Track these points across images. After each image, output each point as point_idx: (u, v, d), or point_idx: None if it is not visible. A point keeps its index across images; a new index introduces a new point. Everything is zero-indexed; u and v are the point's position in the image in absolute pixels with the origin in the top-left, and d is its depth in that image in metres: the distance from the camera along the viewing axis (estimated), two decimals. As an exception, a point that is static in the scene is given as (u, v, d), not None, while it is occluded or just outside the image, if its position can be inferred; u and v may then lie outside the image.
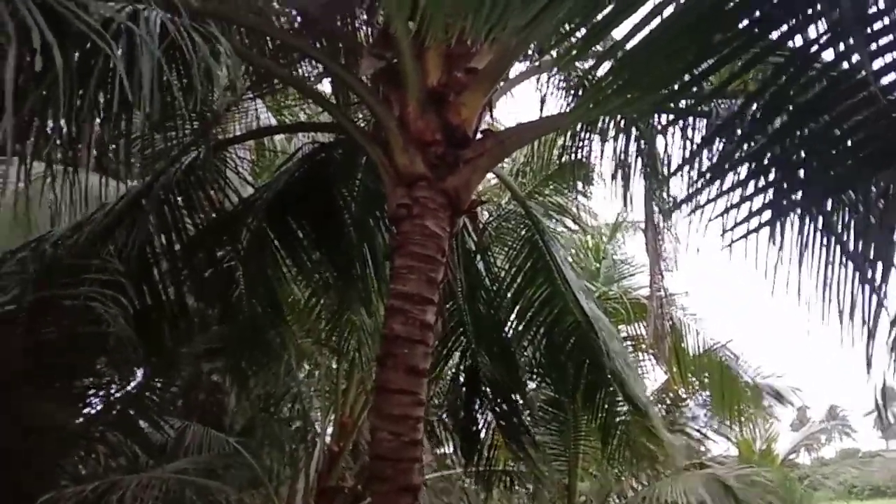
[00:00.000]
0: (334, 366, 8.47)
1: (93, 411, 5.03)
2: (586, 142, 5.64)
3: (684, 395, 8.34)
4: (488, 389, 5.85)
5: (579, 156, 5.69)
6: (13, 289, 4.06)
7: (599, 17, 2.38)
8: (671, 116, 4.54)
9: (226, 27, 3.97)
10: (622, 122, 5.43)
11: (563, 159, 5.85)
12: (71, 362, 4.43)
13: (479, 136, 4.01)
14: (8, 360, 3.65)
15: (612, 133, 5.46)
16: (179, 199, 4.95)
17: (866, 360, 3.34)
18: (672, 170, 4.85)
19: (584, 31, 2.47)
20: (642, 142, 5.40)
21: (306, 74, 5.18)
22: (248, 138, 5.49)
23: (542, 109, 5.34)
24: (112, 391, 5.14)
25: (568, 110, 5.20)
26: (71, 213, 6.60)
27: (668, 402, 7.86)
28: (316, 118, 6.07)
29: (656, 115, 4.86)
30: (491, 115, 4.15)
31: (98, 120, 3.95)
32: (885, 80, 2.62)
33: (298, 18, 5.03)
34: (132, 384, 6.19)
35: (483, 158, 3.91)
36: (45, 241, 4.54)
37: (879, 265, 3.45)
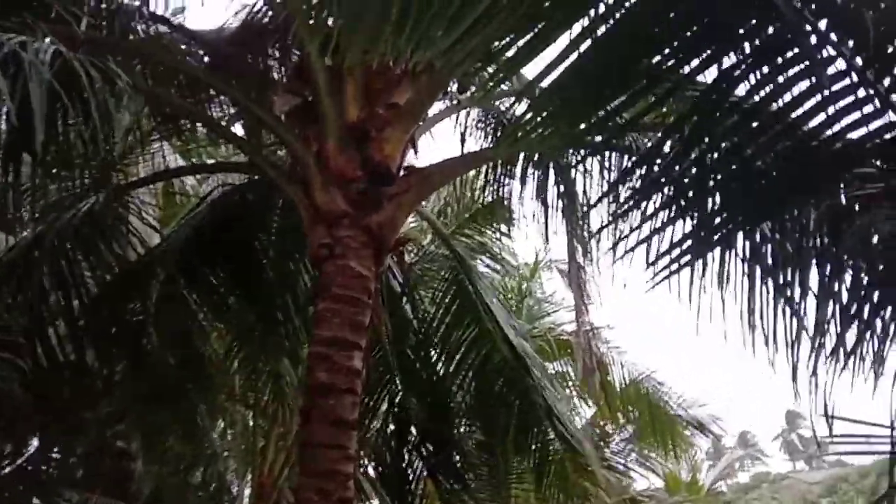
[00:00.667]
0: (251, 422, 8.02)
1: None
2: (506, 180, 5.66)
3: (610, 430, 8.36)
4: (419, 437, 5.63)
5: (499, 194, 5.70)
6: None
7: (522, 41, 2.34)
8: (587, 151, 4.58)
9: (129, 63, 3.72)
10: (539, 159, 5.49)
11: (484, 198, 5.85)
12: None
13: (402, 172, 3.90)
14: None
15: (530, 171, 5.50)
16: (77, 249, 4.57)
17: (792, 378, 3.38)
18: (591, 204, 4.89)
19: (507, 55, 2.43)
20: (560, 179, 5.46)
21: (218, 114, 4.95)
22: (153, 181, 5.18)
23: (462, 148, 5.30)
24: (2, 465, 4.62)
25: (491, 145, 5.18)
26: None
27: (596, 437, 7.84)
28: (228, 160, 5.82)
29: (574, 152, 4.90)
30: (415, 152, 4.06)
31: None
32: (798, 111, 2.70)
33: (207, 57, 4.83)
34: (25, 455, 5.63)
35: (408, 195, 3.80)
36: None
37: (798, 290, 3.54)
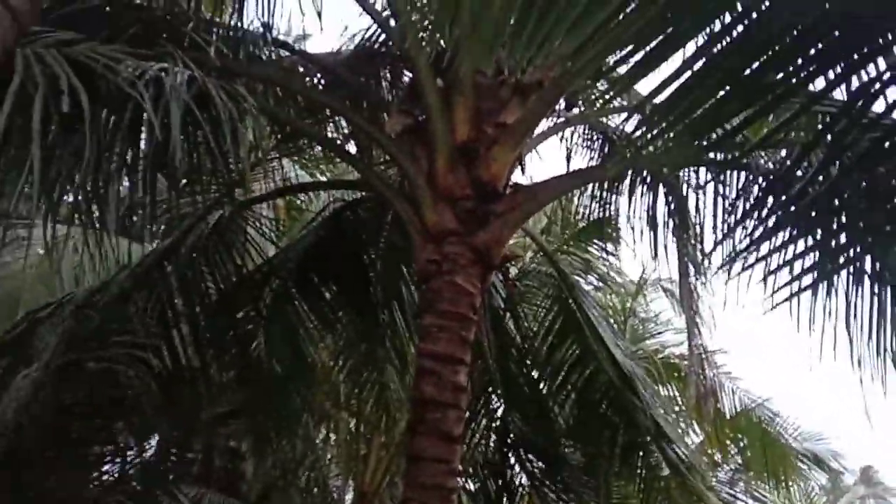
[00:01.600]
0: (353, 430, 8.22)
1: (109, 478, 4.84)
2: (613, 197, 5.57)
3: (718, 459, 7.98)
4: (522, 452, 5.60)
5: (606, 212, 5.61)
6: (41, 352, 3.96)
7: (641, 53, 2.29)
8: (707, 170, 4.44)
9: (251, 84, 3.95)
10: (648, 177, 5.36)
11: (590, 216, 5.77)
12: (90, 427, 4.28)
13: (509, 190, 3.92)
14: (31, 426, 3.50)
15: (639, 188, 5.38)
16: (202, 260, 4.88)
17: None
18: (712, 224, 4.70)
19: (624, 68, 2.38)
20: (671, 197, 5.31)
21: (332, 133, 5.16)
22: (273, 197, 5.46)
23: (568, 165, 5.27)
24: (128, 458, 4.97)
25: (600, 163, 5.11)
26: (94, 275, 6.61)
27: (704, 466, 7.49)
28: (341, 178, 6.05)
29: (689, 170, 4.76)
30: (522, 170, 4.07)
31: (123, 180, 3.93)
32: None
33: (324, 79, 5.05)
34: (147, 451, 6.01)
35: (514, 213, 3.81)
36: (67, 303, 4.46)
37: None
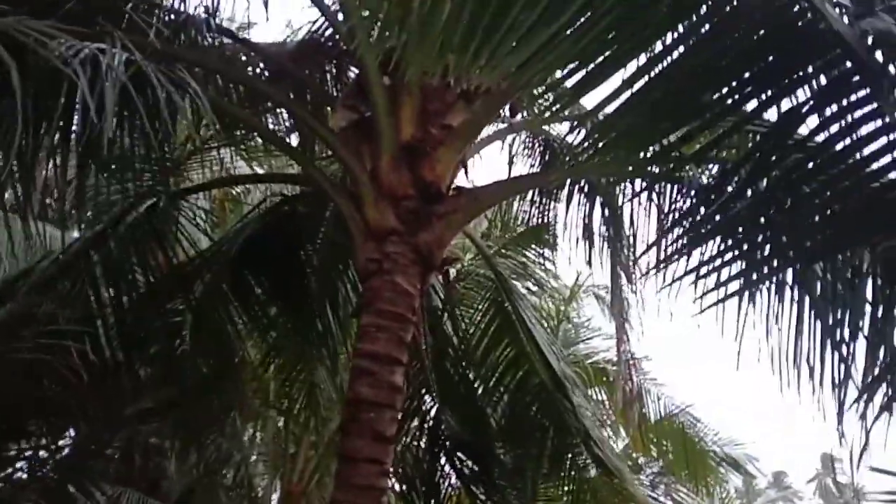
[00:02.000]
0: (281, 429, 8.08)
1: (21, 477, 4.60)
2: (551, 204, 5.67)
3: (641, 463, 8.22)
4: (454, 452, 5.62)
5: (544, 218, 5.71)
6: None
7: (585, 70, 2.35)
8: (643, 182, 4.57)
9: (192, 70, 3.83)
10: (586, 186, 5.49)
11: (528, 221, 5.86)
12: (2, 422, 4.05)
13: (452, 192, 3.93)
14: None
15: (576, 196, 5.51)
16: (132, 249, 4.70)
17: (838, 421, 3.30)
18: (643, 234, 4.85)
19: (570, 82, 2.44)
20: (606, 207, 5.45)
21: (274, 125, 5.06)
22: (210, 187, 5.31)
23: (510, 171, 5.33)
24: (42, 456, 4.73)
25: (541, 170, 5.20)
26: (11, 262, 6.27)
27: (629, 468, 7.70)
28: (281, 172, 5.94)
29: (629, 181, 4.89)
30: (465, 173, 4.09)
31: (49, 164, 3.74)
32: (864, 152, 2.65)
33: (267, 70, 4.95)
34: (64, 448, 5.75)
35: (457, 214, 3.83)
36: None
37: (847, 332, 3.46)
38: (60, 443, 5.68)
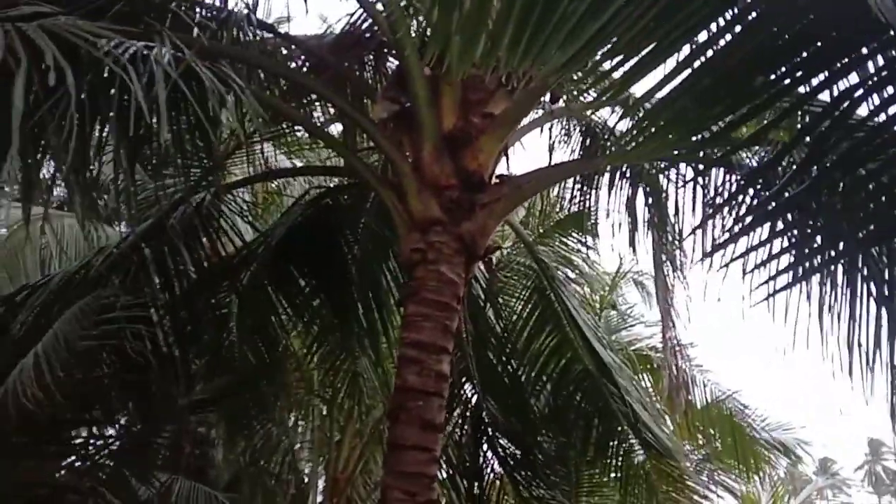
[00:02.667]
0: (325, 417, 8.19)
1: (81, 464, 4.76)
2: (592, 191, 5.61)
3: (688, 450, 8.13)
4: (496, 439, 5.65)
5: (585, 205, 5.65)
6: (15, 333, 3.87)
7: (635, 59, 2.32)
8: (691, 167, 4.50)
9: (235, 66, 3.89)
10: (629, 172, 5.41)
11: (570, 208, 5.80)
12: (63, 412, 4.20)
13: (495, 180, 3.92)
14: (4, 411, 3.43)
15: (619, 183, 5.43)
16: (181, 243, 4.80)
17: (890, 404, 3.22)
18: (689, 220, 4.78)
19: (619, 72, 2.42)
20: (650, 193, 5.37)
21: (317, 118, 5.11)
22: (255, 181, 5.38)
23: (550, 158, 5.29)
24: (100, 443, 4.89)
25: (584, 156, 5.14)
26: (59, 261, 6.45)
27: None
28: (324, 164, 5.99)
29: (677, 168, 4.82)
30: (507, 161, 4.08)
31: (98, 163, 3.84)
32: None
33: (308, 63, 4.98)
34: (117, 436, 5.92)
35: (500, 203, 3.82)
36: (42, 285, 4.36)
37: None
38: (112, 433, 5.88)
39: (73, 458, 4.79)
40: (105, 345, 4.07)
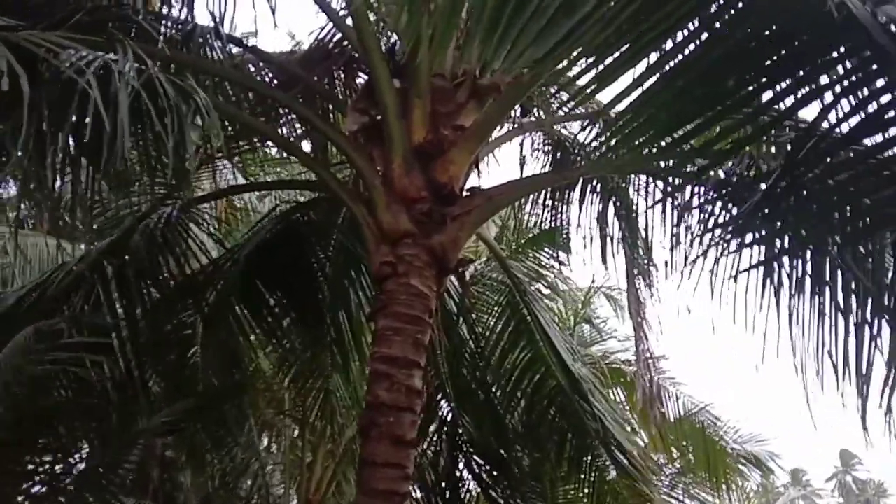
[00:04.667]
0: (297, 438, 8.05)
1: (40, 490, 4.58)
2: (563, 206, 5.63)
3: (662, 463, 8.15)
4: (472, 456, 5.58)
5: (557, 220, 5.66)
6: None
7: (608, 60, 2.32)
8: (660, 181, 4.53)
9: (201, 79, 3.83)
10: (599, 185, 5.45)
11: (541, 223, 5.81)
12: (20, 436, 4.04)
13: (466, 193, 3.90)
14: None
15: (590, 197, 5.46)
16: (144, 260, 4.68)
17: (862, 414, 3.24)
18: (661, 235, 4.80)
19: (588, 77, 2.41)
20: (620, 206, 5.40)
21: (286, 133, 5.05)
22: (221, 195, 5.30)
23: (521, 172, 5.30)
24: (60, 468, 4.72)
25: (554, 169, 5.16)
26: (23, 275, 6.27)
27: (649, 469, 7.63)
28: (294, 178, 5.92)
29: (638, 179, 4.86)
30: (478, 174, 4.06)
31: (59, 178, 3.73)
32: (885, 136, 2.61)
33: (277, 78, 4.94)
34: (78, 462, 5.73)
35: (471, 215, 3.79)
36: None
37: (873, 321, 3.41)
38: (75, 457, 5.69)
39: (33, 482, 4.60)
40: (62, 369, 3.91)
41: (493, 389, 5.59)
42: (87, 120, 2.95)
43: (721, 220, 3.85)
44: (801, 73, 2.50)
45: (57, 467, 4.80)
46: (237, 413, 6.74)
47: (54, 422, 4.57)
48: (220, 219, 5.80)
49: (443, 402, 5.70)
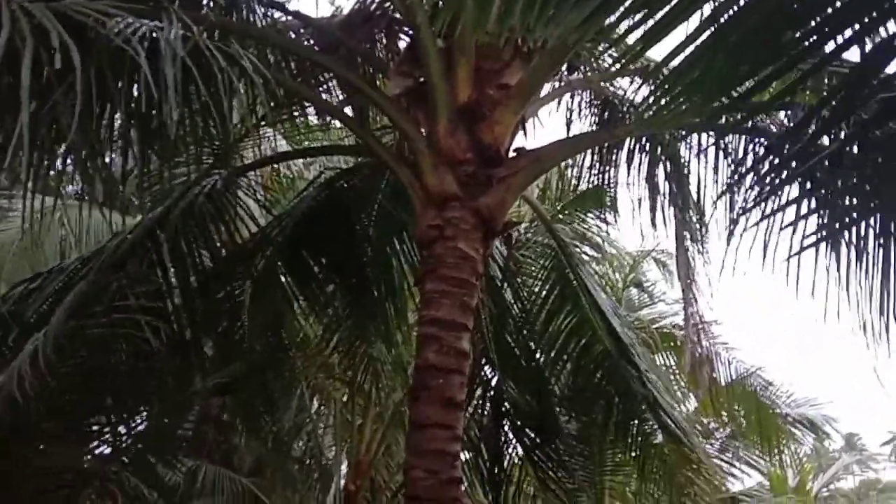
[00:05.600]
0: (346, 402, 8.20)
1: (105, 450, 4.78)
2: (609, 166, 5.50)
3: (713, 427, 8.06)
4: (518, 421, 5.59)
5: (603, 180, 5.55)
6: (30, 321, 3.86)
7: (657, 16, 2.23)
8: (711, 135, 4.39)
9: (245, 44, 3.82)
10: (648, 144, 5.30)
11: (589, 183, 5.70)
12: (85, 399, 4.20)
13: (512, 154, 3.84)
14: (27, 399, 3.42)
15: (638, 157, 5.33)
16: (195, 229, 4.76)
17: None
18: (713, 194, 4.66)
19: (639, 32, 2.32)
20: (669, 165, 5.26)
21: (331, 97, 5.03)
22: (269, 163, 5.33)
23: (568, 131, 5.18)
24: (122, 430, 4.90)
25: (602, 127, 5.03)
26: (79, 247, 6.45)
27: (698, 434, 7.57)
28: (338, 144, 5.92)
29: (694, 136, 4.71)
30: (524, 134, 3.99)
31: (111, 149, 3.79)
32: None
33: (320, 42, 4.91)
34: (139, 423, 5.95)
35: (517, 177, 3.74)
36: (57, 272, 4.34)
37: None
38: (136, 419, 5.90)
39: (97, 443, 4.80)
40: (120, 332, 4.03)
41: (538, 354, 5.56)
42: (136, 91, 2.98)
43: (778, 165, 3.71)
44: (862, 22, 2.36)
45: (120, 429, 4.99)
46: (288, 377, 6.89)
47: (116, 384, 4.74)
48: (267, 186, 5.85)
49: (486, 367, 5.70)
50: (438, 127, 3.72)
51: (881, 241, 3.33)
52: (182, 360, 5.17)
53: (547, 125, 5.13)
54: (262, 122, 4.82)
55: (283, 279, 5.38)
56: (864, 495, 11.91)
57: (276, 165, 5.85)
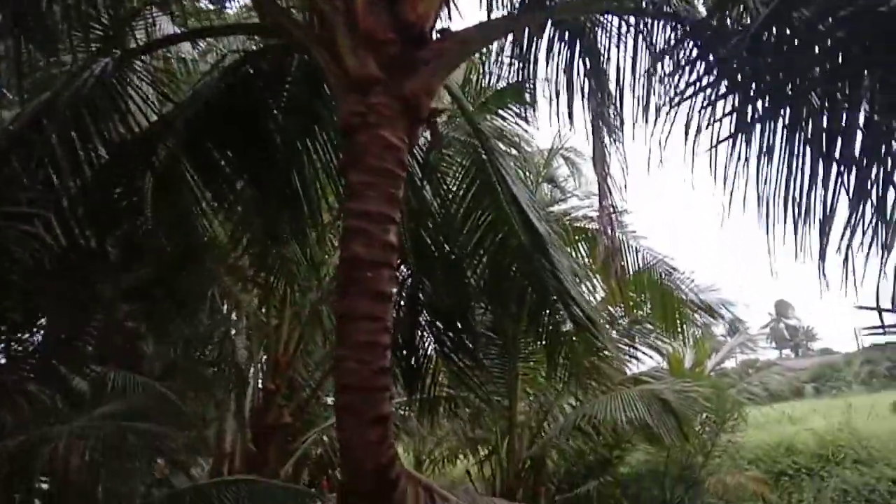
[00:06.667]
0: (256, 303, 8.03)
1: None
2: (530, 63, 5.37)
3: (619, 314, 8.48)
4: (430, 316, 5.63)
5: (522, 74, 5.42)
6: None
7: None
8: (630, 20, 4.32)
9: None
10: (567, 34, 5.19)
11: (508, 77, 5.56)
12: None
13: (437, 35, 3.63)
14: None
15: (556, 47, 5.22)
16: (87, 118, 4.32)
17: (819, 257, 3.32)
18: (629, 84, 4.65)
19: None
20: (587, 55, 5.19)
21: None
22: (161, 46, 4.84)
23: (489, 16, 4.97)
24: (24, 337, 4.59)
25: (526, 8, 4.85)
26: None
27: (604, 320, 7.95)
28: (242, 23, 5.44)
29: (614, 22, 4.63)
30: (449, 15, 3.77)
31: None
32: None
33: None
34: (40, 331, 5.61)
35: (443, 60, 3.55)
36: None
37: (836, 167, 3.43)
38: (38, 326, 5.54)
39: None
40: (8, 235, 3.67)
41: (455, 250, 5.54)
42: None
43: (697, 66, 3.73)
44: None
45: (24, 336, 4.67)
46: (198, 280, 6.64)
47: (11, 291, 4.39)
48: (165, 70, 5.33)
49: (402, 264, 5.63)
50: (356, 4, 3.44)
51: (787, 135, 3.44)
52: (81, 263, 4.84)
53: (466, 14, 4.90)
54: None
55: (188, 176, 5.04)
56: (744, 373, 13.14)
57: (173, 48, 5.32)
